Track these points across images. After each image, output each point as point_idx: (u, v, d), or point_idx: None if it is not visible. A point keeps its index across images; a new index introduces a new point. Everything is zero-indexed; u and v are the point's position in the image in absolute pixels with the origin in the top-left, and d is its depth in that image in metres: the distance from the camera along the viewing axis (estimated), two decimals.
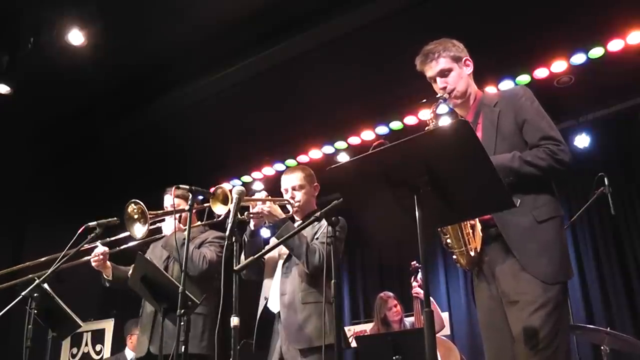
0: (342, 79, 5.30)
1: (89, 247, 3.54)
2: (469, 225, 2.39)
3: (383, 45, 4.83)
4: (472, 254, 2.40)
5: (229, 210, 2.86)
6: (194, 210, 3.26)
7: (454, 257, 2.44)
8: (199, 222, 3.68)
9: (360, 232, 2.16)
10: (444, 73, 2.54)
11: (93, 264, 3.67)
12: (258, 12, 4.85)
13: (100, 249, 3.67)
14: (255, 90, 5.53)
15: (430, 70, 2.57)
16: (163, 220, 3.68)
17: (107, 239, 3.71)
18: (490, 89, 4.90)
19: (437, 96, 2.53)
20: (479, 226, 2.39)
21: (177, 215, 3.51)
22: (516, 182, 2.22)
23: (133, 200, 3.42)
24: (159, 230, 3.73)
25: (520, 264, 2.27)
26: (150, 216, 3.43)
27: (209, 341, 3.50)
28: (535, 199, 2.33)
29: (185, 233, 3.29)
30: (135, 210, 3.42)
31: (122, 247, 3.85)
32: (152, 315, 3.53)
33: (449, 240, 2.41)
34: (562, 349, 2.22)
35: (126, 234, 3.62)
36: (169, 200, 3.79)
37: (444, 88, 2.53)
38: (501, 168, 2.13)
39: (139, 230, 3.43)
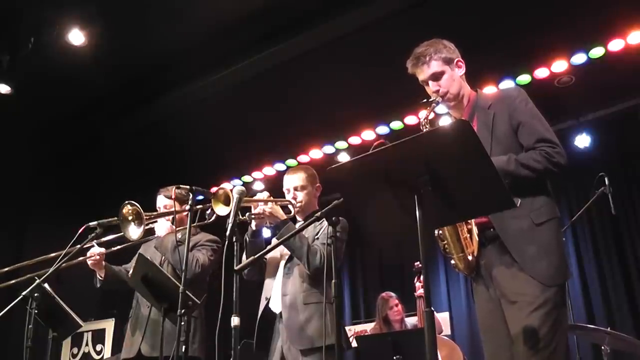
0: (342, 79, 5.30)
1: (87, 247, 3.53)
2: (466, 229, 2.38)
3: (383, 45, 4.82)
4: (470, 258, 2.39)
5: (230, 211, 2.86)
6: (186, 213, 3.23)
7: (452, 262, 2.43)
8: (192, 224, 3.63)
9: (360, 232, 2.16)
10: (436, 76, 2.51)
11: (89, 263, 3.66)
12: (258, 13, 4.85)
13: (97, 249, 3.65)
14: (255, 90, 5.53)
15: (422, 74, 2.54)
16: (156, 221, 3.67)
17: (102, 238, 3.67)
18: (491, 89, 4.90)
19: (430, 99, 2.51)
20: (475, 230, 2.39)
21: (171, 217, 3.48)
22: (512, 185, 2.20)
23: (128, 201, 3.39)
24: (152, 231, 3.71)
25: (519, 266, 2.27)
26: (146, 217, 3.41)
27: (199, 343, 3.50)
28: (532, 201, 2.32)
29: (179, 235, 3.29)
30: (131, 212, 3.39)
31: (115, 248, 3.83)
32: (146, 316, 3.52)
33: (446, 246, 2.40)
34: (561, 349, 2.22)
35: (119, 234, 3.60)
36: (162, 200, 3.78)
37: (437, 91, 2.51)
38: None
39: (134, 231, 3.39)
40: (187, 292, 2.83)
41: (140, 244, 3.82)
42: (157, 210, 3.74)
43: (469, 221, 2.37)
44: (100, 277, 3.71)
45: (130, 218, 3.40)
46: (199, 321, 3.53)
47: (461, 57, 2.58)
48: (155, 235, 3.66)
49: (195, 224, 3.50)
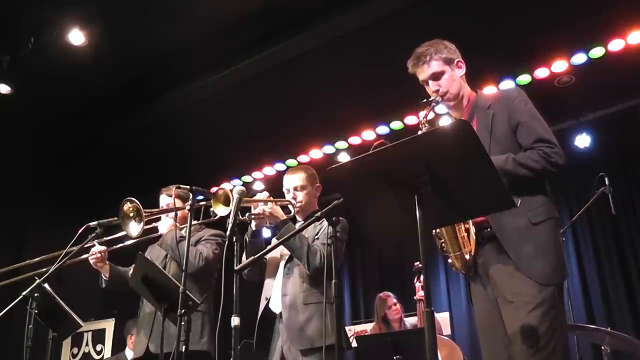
0: (342, 79, 5.30)
1: (87, 246, 3.54)
2: (463, 228, 2.38)
3: (383, 44, 4.82)
4: (467, 257, 2.40)
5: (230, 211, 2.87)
6: (188, 210, 3.24)
7: (449, 260, 2.44)
8: (195, 221, 3.63)
9: (360, 232, 2.16)
10: (436, 76, 2.52)
11: (91, 261, 3.67)
12: (258, 12, 4.85)
13: (98, 247, 3.67)
14: (255, 90, 5.53)
15: (423, 74, 2.55)
16: (159, 219, 3.68)
17: (104, 238, 3.69)
18: (491, 89, 4.91)
19: (430, 99, 2.52)
20: (473, 229, 2.39)
21: (173, 214, 3.49)
22: (511, 184, 2.20)
23: (128, 198, 3.41)
24: (155, 230, 3.72)
25: (516, 265, 2.27)
26: (146, 214, 3.43)
27: (208, 337, 3.51)
28: (530, 201, 2.32)
29: (182, 231, 3.30)
30: (131, 209, 3.41)
31: (117, 246, 3.84)
32: (151, 315, 3.52)
33: (444, 244, 2.40)
34: (560, 349, 2.21)
35: (122, 233, 3.62)
36: (165, 200, 3.79)
37: (437, 91, 2.52)
38: None
39: (134, 228, 3.42)
40: (187, 292, 2.83)
41: (146, 246, 3.85)
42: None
43: None
44: (105, 277, 3.72)
45: (131, 215, 3.43)
46: (207, 316, 3.54)
47: (461, 57, 2.59)
48: (159, 234, 3.68)
49: (198, 222, 3.52)
